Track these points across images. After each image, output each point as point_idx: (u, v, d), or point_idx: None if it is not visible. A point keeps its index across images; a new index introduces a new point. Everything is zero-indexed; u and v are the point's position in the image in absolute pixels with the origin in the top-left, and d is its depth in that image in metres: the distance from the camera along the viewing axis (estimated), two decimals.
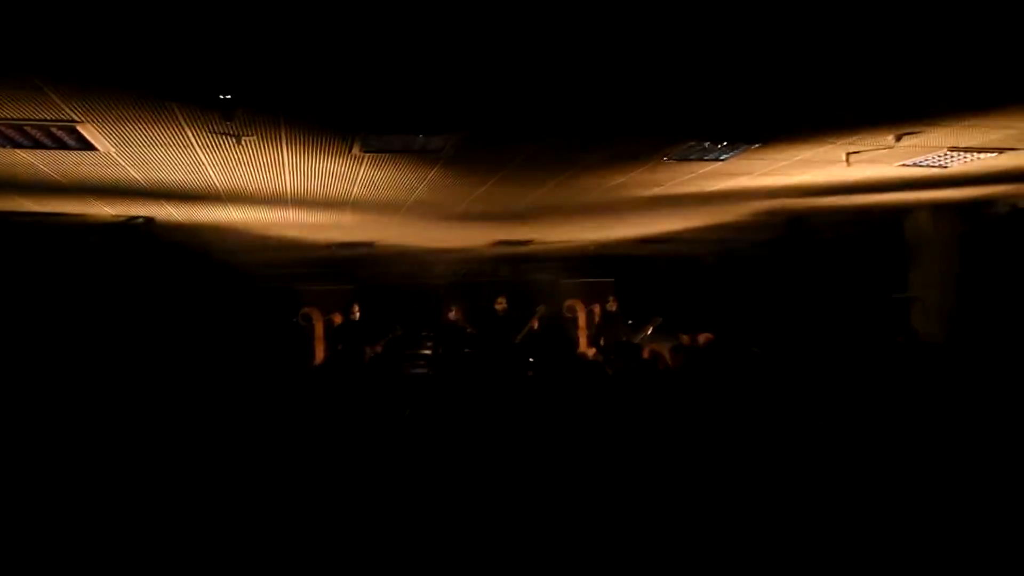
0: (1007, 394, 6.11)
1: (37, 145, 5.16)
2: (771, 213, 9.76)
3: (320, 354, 11.07)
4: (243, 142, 5.24)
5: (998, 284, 9.77)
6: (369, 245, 11.03)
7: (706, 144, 6.05)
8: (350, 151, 5.67)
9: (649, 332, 10.41)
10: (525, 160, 6.25)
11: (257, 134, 5.10)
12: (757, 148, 6.15)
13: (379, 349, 9.08)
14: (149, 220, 8.01)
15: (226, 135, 5.11)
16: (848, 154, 6.64)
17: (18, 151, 5.28)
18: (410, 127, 5.20)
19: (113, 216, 7.92)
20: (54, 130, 4.85)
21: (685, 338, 8.26)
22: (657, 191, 7.81)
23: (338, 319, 9.77)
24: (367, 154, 5.81)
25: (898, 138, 6.16)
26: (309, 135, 5.19)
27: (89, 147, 5.25)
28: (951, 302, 10.06)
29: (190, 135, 5.06)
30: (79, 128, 4.81)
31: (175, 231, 8.41)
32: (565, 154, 6.14)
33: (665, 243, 12.28)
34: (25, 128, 4.79)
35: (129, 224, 8.06)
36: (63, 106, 4.39)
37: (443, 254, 11.81)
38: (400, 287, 12.38)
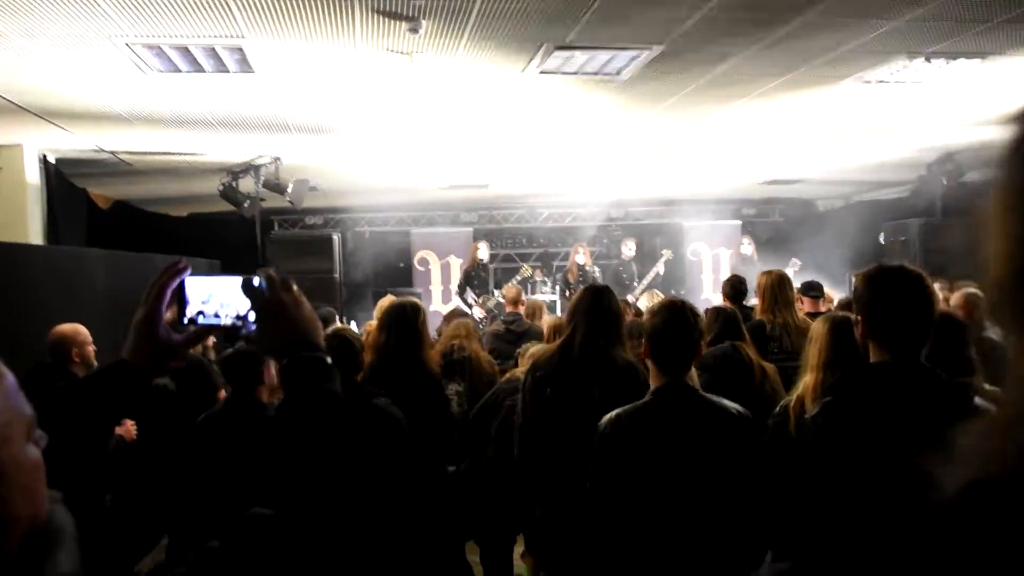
0: None
1: (195, 68, 4.71)
2: (925, 149, 8.85)
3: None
4: (414, 59, 4.69)
5: None
6: (484, 186, 10.48)
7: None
8: (526, 68, 5.07)
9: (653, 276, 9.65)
10: (708, 81, 5.57)
11: (435, 46, 4.54)
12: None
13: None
14: (277, 160, 7.61)
15: (400, 52, 4.57)
16: None
17: (175, 74, 4.85)
18: (605, 44, 4.58)
19: (242, 155, 7.55)
20: (219, 48, 4.37)
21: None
22: (826, 118, 7.02)
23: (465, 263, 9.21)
24: (542, 75, 5.21)
25: None
26: (492, 46, 4.60)
27: (248, 69, 4.79)
28: None
29: (362, 51, 4.53)
30: (245, 46, 4.33)
31: (298, 171, 8.00)
32: (752, 74, 5.44)
33: (792, 184, 11.43)
34: (190, 48, 4.33)
35: (256, 164, 7.67)
36: (236, 18, 3.90)
37: (558, 196, 11.22)
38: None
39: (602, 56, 4.88)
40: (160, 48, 4.32)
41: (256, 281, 1.19)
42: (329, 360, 1.12)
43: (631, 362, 2.79)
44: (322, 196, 9.50)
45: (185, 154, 7.36)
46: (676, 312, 2.24)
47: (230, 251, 8.56)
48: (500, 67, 5.02)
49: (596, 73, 5.27)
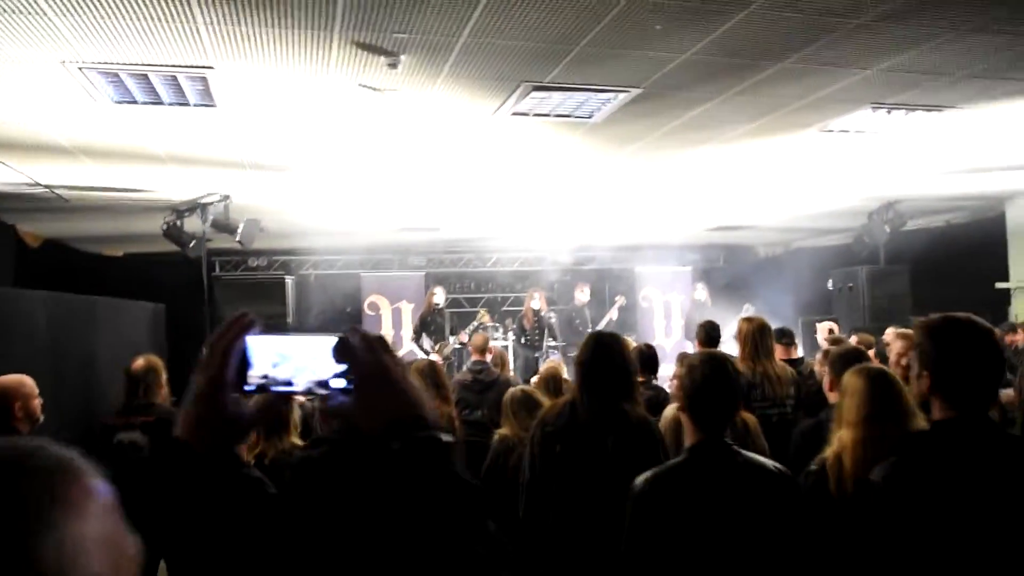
0: None
1: (152, 99, 4.44)
2: (869, 199, 9.11)
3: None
4: (385, 95, 4.53)
5: None
6: (435, 229, 10.31)
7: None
8: (499, 108, 4.96)
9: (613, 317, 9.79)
10: (678, 126, 5.58)
11: (410, 83, 4.39)
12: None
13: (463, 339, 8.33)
14: (227, 198, 7.28)
15: (372, 88, 4.41)
16: None
17: (129, 105, 4.55)
18: (584, 83, 4.51)
19: (190, 193, 7.20)
20: (182, 78, 4.12)
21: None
22: (788, 169, 7.13)
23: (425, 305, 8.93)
24: (513, 116, 5.11)
25: None
26: (469, 85, 4.47)
27: (209, 101, 4.54)
28: None
29: (334, 84, 4.35)
30: (211, 75, 4.09)
31: (248, 211, 7.68)
32: (723, 120, 5.47)
33: (741, 231, 11.63)
34: (150, 76, 4.07)
35: (204, 203, 7.33)
36: (206, 46, 3.68)
37: (510, 240, 11.12)
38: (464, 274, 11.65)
39: (578, 97, 4.82)
40: (117, 75, 4.04)
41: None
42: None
43: (645, 417, 2.63)
44: (267, 237, 9.16)
45: (129, 190, 6.97)
46: (718, 367, 2.10)
47: (174, 294, 8.13)
48: (473, 106, 4.91)
49: (568, 115, 5.22)
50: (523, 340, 9.28)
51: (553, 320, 9.39)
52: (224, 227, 7.29)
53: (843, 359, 3.24)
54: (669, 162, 6.79)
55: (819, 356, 4.72)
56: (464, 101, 4.78)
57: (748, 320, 4.58)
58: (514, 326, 9.68)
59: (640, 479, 2.03)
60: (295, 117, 4.99)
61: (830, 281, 10.00)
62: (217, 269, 10.75)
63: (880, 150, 6.58)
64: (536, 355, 9.14)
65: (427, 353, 8.58)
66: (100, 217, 8.18)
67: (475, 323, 8.83)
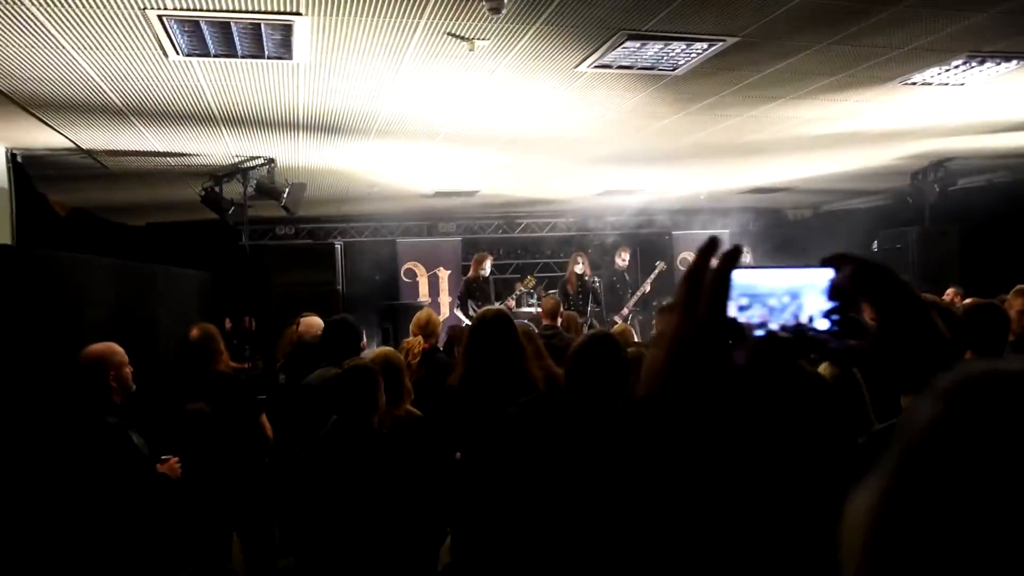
0: None
1: (226, 51, 4.18)
2: (917, 156, 8.89)
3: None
4: (475, 47, 4.28)
5: None
6: (471, 193, 10.07)
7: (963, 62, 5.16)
8: (582, 61, 4.71)
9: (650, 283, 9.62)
10: (757, 80, 5.34)
11: (503, 32, 4.14)
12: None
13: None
14: (271, 162, 7.02)
15: (462, 38, 4.16)
16: None
17: (199, 59, 4.29)
18: (682, 31, 4.27)
19: (234, 157, 6.94)
20: (265, 27, 3.86)
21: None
22: (848, 126, 6.90)
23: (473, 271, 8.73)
24: (596, 70, 4.86)
25: None
26: (563, 34, 4.22)
27: (286, 54, 4.28)
28: None
29: (422, 35, 4.09)
30: (297, 24, 3.83)
31: (293, 174, 7.42)
32: (807, 73, 5.23)
33: (774, 193, 11.41)
34: (232, 24, 3.81)
35: (246, 167, 7.07)
36: None
37: (551, 203, 10.88)
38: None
39: (671, 48, 4.57)
40: (198, 24, 3.78)
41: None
42: None
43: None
44: (306, 204, 8.90)
45: (174, 154, 6.71)
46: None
47: (217, 261, 7.89)
48: (557, 59, 4.66)
49: (652, 68, 4.97)
50: (567, 305, 9.10)
51: (597, 284, 9.19)
52: (269, 191, 7.03)
53: None
54: (734, 120, 6.56)
55: None
56: (551, 52, 4.53)
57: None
58: (556, 290, 9.49)
59: None
60: (372, 72, 4.73)
61: (875, 243, 9.81)
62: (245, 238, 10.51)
63: (953, 104, 6.35)
64: (580, 320, 8.95)
65: (470, 319, 8.40)
66: (136, 185, 7.90)
67: (521, 288, 8.64)
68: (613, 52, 4.56)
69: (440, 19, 3.90)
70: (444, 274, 10.58)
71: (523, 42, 4.31)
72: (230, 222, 7.55)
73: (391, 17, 3.83)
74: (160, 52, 4.17)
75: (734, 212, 12.41)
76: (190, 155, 6.77)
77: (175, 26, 3.79)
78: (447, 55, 4.44)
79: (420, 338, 4.88)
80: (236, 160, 7.04)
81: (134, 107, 5.27)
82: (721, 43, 4.50)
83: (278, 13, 3.69)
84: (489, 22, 3.96)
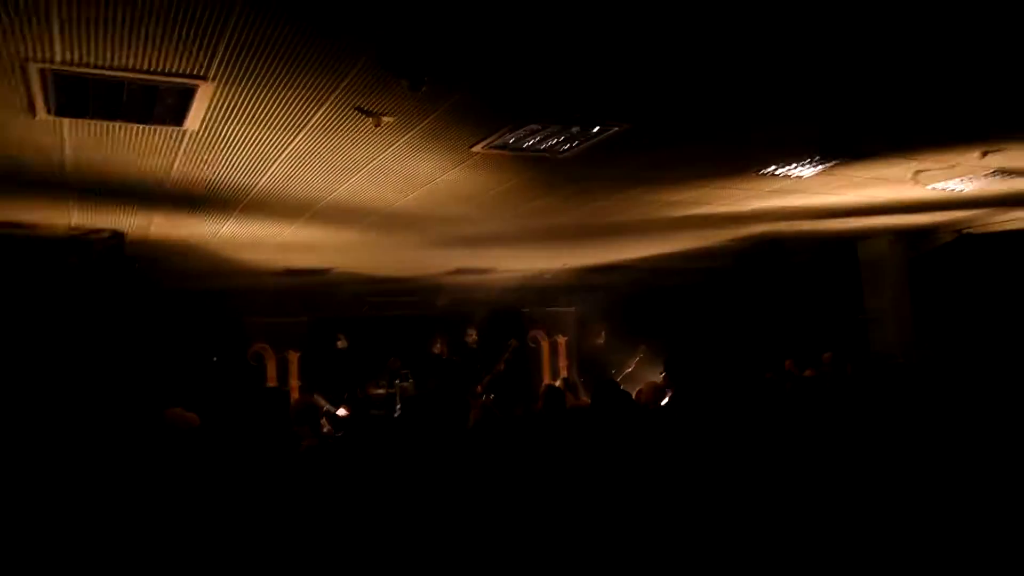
0: (967, 405, 6.29)
1: (113, 114, 3.80)
2: (747, 238, 9.76)
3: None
4: (381, 123, 4.20)
5: (948, 306, 10.37)
6: (325, 271, 9.75)
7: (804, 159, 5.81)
8: (474, 145, 4.77)
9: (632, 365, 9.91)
10: (639, 164, 5.66)
11: (405, 112, 4.09)
12: (841, 164, 5.96)
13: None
14: (118, 235, 6.40)
15: (370, 114, 4.07)
16: (917, 172, 6.67)
17: (74, 120, 3.87)
18: (574, 116, 4.45)
19: (72, 228, 6.25)
20: (164, 89, 3.56)
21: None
22: (702, 209, 7.47)
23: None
24: (486, 151, 4.93)
25: (983, 155, 6.26)
26: (468, 116, 4.25)
27: (176, 120, 3.96)
28: (906, 323, 10.56)
29: (323, 109, 3.96)
30: (199, 89, 3.57)
31: (142, 247, 6.80)
32: (686, 159, 5.62)
33: (620, 270, 12.00)
34: (125, 83, 3.48)
35: (90, 239, 6.40)
36: (200, 56, 3.20)
37: (402, 282, 10.73)
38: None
39: (567, 132, 4.73)
40: (85, 81, 3.41)
41: None
42: None
43: None
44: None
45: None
46: None
47: None
48: (456, 138, 4.67)
49: (542, 151, 5.10)
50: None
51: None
52: (115, 267, 6.37)
53: None
54: (601, 203, 6.87)
55: None
56: (454, 131, 4.53)
57: None
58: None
59: None
60: (263, 144, 4.48)
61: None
62: None
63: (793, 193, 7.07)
64: None
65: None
66: None
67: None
68: (514, 134, 4.65)
69: (353, 94, 3.80)
70: (294, 357, 10.04)
71: (429, 120, 4.29)
72: None
73: (304, 89, 3.68)
74: (27, 109, 3.71)
75: (578, 289, 12.91)
76: (23, 226, 6.04)
77: (56, 82, 3.40)
78: (349, 130, 4.32)
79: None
80: (75, 232, 6.35)
81: None
82: (616, 128, 4.71)
83: (182, 76, 3.42)
84: (401, 99, 3.91)
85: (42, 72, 3.28)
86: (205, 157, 4.64)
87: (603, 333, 8.93)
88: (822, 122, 4.88)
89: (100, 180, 5.04)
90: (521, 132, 4.64)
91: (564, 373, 10.89)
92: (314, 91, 3.71)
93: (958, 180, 6.95)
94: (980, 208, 8.72)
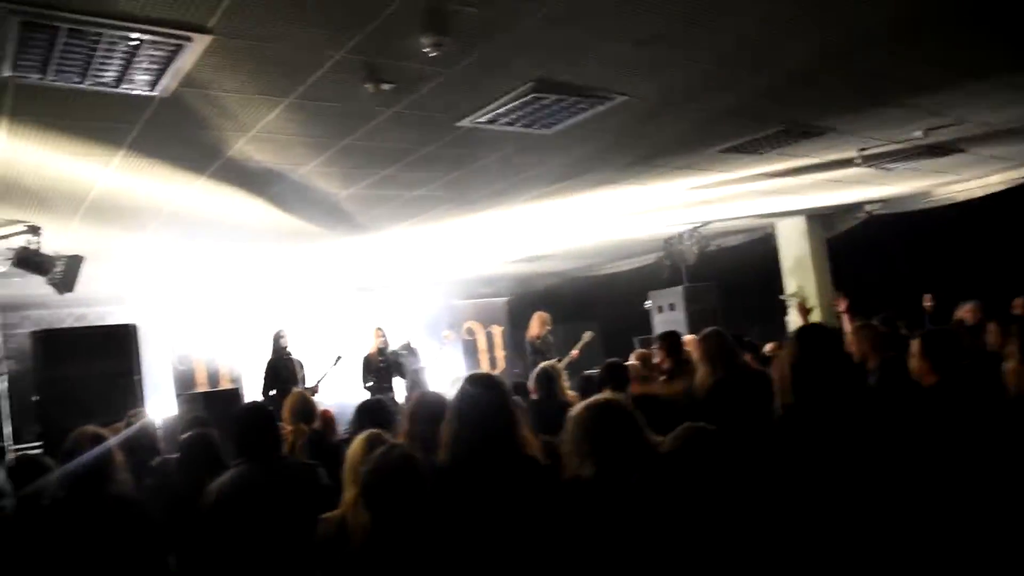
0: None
1: (69, 73, 3.26)
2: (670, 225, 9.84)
3: None
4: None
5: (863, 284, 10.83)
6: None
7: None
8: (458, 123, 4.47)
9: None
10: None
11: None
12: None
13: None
14: (34, 229, 5.64)
15: (380, 80, 3.72)
16: (861, 150, 6.87)
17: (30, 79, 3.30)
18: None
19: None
20: (149, 46, 3.08)
21: None
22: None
23: None
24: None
25: (926, 133, 6.50)
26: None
27: (149, 85, 3.46)
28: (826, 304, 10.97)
29: (325, 69, 3.58)
30: (191, 42, 3.11)
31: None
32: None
33: (544, 260, 11.85)
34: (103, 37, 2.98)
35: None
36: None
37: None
38: None
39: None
40: (55, 31, 2.89)
41: None
42: None
43: None
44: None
45: None
46: None
47: None
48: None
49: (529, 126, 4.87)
50: (372, 378, 8.52)
51: (401, 357, 8.74)
52: (35, 265, 5.57)
53: None
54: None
55: None
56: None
57: None
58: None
59: None
60: (252, 103, 4.00)
61: (648, 302, 10.58)
62: None
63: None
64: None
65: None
66: None
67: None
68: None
69: (368, 50, 3.43)
70: None
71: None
72: None
73: (318, 28, 3.26)
74: None
75: (503, 280, 12.70)
76: None
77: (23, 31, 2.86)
78: (349, 97, 3.94)
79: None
80: None
81: None
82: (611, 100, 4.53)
83: (180, 27, 2.95)
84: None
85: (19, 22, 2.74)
86: (173, 124, 4.11)
87: (548, 320, 8.65)
88: None
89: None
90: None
91: (501, 364, 10.70)
92: (325, 43, 3.32)
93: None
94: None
